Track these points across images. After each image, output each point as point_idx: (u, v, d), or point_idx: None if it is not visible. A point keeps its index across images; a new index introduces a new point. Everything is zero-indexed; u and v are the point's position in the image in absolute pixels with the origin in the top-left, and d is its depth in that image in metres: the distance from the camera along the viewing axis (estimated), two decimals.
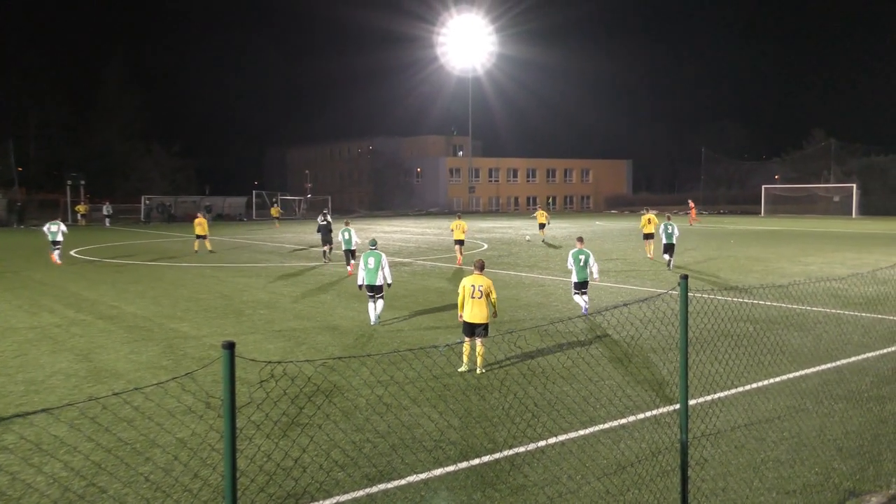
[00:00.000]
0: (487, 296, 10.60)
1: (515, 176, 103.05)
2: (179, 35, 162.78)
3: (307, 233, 45.38)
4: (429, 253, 30.87)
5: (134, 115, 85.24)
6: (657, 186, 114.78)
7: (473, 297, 10.53)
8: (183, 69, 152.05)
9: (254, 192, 76.11)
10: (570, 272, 15.31)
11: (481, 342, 10.48)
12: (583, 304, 15.00)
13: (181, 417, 8.35)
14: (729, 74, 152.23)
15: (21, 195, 65.32)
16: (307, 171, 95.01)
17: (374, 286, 14.11)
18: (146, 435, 7.82)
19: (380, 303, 14.29)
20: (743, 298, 16.58)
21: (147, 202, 66.24)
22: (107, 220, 58.89)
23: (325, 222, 27.83)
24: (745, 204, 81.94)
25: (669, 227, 23.63)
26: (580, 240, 15.75)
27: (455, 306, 14.16)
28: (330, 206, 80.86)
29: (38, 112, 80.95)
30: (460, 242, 26.60)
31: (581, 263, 14.87)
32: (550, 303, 16.99)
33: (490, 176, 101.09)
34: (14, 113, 79.62)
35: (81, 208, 60.20)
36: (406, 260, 27.57)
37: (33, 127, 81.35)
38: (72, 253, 31.02)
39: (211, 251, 31.17)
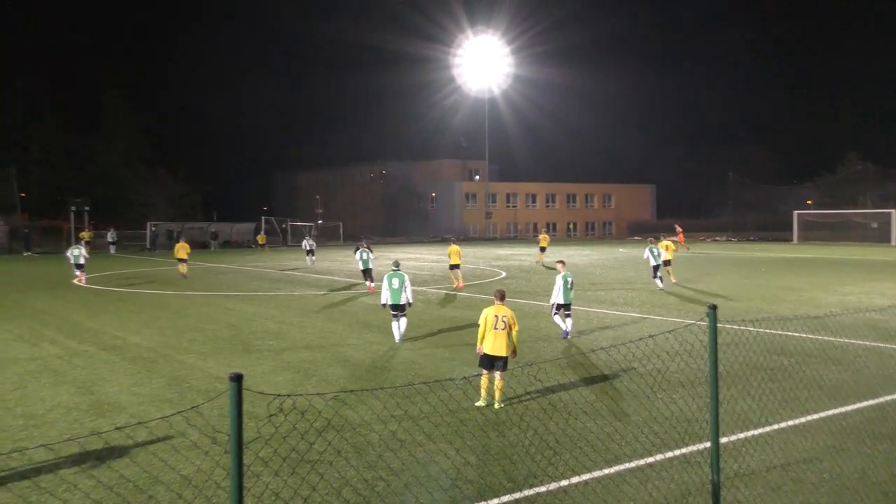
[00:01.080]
0: (510, 328, 10.57)
1: (534, 201, 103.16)
2: (184, 56, 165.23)
3: (319, 260, 45.54)
4: (443, 281, 30.85)
5: (138, 139, 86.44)
6: (683, 212, 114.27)
7: (496, 329, 10.49)
8: (188, 91, 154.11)
9: (262, 217, 76.60)
10: (555, 296, 16.12)
11: (500, 376, 10.43)
12: (566, 326, 16.19)
13: (186, 453, 8.33)
14: (756, 94, 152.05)
15: (24, 221, 66.11)
16: (318, 196, 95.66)
17: (399, 305, 15.60)
18: (149, 472, 7.81)
19: (403, 321, 15.77)
20: (776, 329, 16.40)
21: (153, 229, 66.76)
22: (111, 247, 59.42)
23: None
24: (777, 230, 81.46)
25: (655, 250, 26.40)
26: (562, 263, 16.82)
27: (473, 337, 14.10)
28: (342, 231, 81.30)
29: (40, 136, 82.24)
30: (456, 267, 28.08)
31: (569, 286, 16.13)
32: (572, 334, 16.88)
33: (507, 201, 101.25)
34: (16, 137, 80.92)
35: (85, 235, 60.71)
36: (420, 288, 27.55)
37: (36, 151, 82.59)
38: (74, 281, 31.29)
39: (183, 275, 32.98)
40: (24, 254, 55.74)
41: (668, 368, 12.29)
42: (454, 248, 28.48)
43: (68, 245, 61.67)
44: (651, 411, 10.01)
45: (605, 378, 12.06)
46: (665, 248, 28.15)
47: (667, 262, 28.16)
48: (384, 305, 15.77)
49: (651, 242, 27.71)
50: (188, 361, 14.03)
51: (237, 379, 3.85)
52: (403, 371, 13.04)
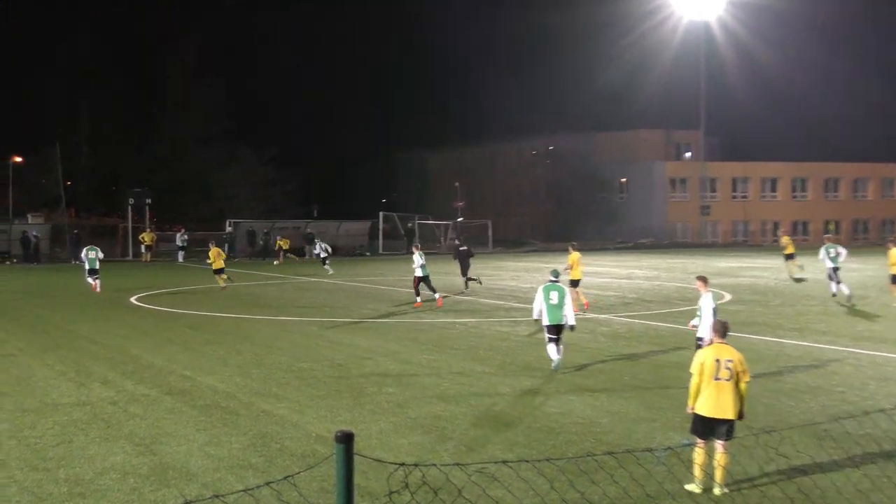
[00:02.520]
0: (738, 377, 10.34)
1: (774, 189, 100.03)
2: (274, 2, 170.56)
3: (455, 274, 46.12)
4: (639, 306, 30.46)
5: (215, 109, 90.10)
6: None
7: (718, 379, 10.29)
8: (279, 48, 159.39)
9: (381, 214, 77.96)
10: (704, 329, 16.07)
11: (723, 447, 10.22)
12: None
13: None
14: None
15: (70, 219, 70.69)
16: (457, 185, 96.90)
17: (559, 326, 17.69)
18: None
19: (560, 347, 17.79)
20: None
21: (229, 229, 69.31)
22: (180, 253, 62.49)
23: (464, 248, 36.88)
24: None
25: (831, 251, 30.99)
26: (704, 280, 16.94)
27: (680, 387, 13.81)
28: (491, 233, 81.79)
29: (91, 107, 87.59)
30: (577, 283, 29.22)
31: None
32: (833, 387, 16.26)
33: (734, 189, 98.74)
34: (62, 108, 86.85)
35: (147, 237, 64.20)
36: (603, 316, 27.30)
37: (85, 127, 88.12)
38: (132, 300, 33.24)
39: (223, 287, 37.46)
40: (73, 262, 59.78)
41: None
42: (577, 256, 29.87)
43: (123, 250, 66.25)
44: None
45: (886, 455, 11.58)
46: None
47: None
48: (537, 320, 18.22)
49: (827, 241, 32.76)
50: (279, 413, 14.54)
51: (346, 439, 3.93)
52: (579, 435, 12.96)
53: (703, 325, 16.13)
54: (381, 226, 75.85)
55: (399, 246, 73.16)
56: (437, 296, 30.87)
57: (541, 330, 18.91)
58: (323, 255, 50.01)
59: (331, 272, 47.20)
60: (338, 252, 72.17)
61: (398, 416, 14.23)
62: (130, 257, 64.67)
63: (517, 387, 16.54)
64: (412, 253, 32.16)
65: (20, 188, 74.69)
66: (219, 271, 37.78)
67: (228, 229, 69.14)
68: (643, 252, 74.74)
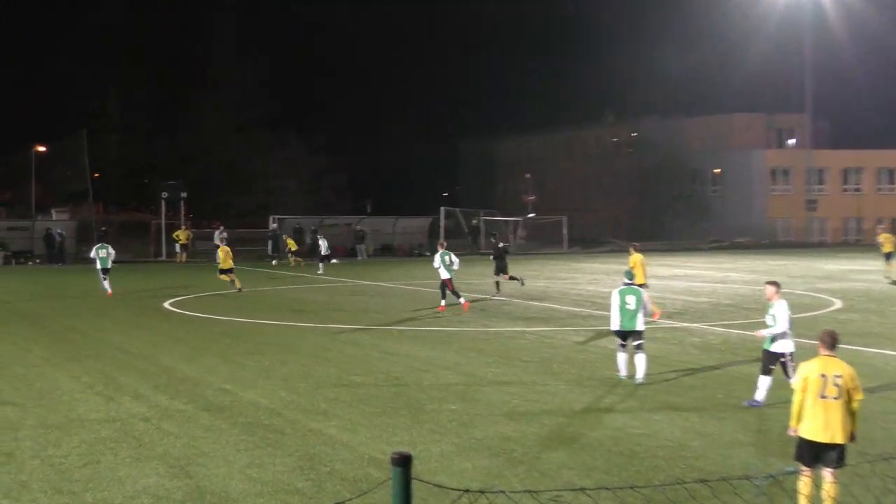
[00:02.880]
0: (849, 395, 10.19)
1: (892, 180, 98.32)
2: None
3: (532, 279, 46.04)
4: (735, 314, 30.15)
5: (257, 91, 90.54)
6: None
7: (825, 397, 10.14)
8: (329, 24, 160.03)
9: (442, 209, 77.93)
10: (779, 340, 16.14)
11: (833, 475, 10.10)
12: (759, 390, 16.10)
13: None
14: None
15: (97, 215, 71.60)
16: (528, 176, 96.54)
17: (635, 332, 18.08)
18: None
19: (641, 357, 17.95)
20: None
21: (273, 226, 69.66)
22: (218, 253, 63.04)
23: (501, 245, 37.86)
24: None
25: None
26: (775, 285, 16.58)
27: (782, 407, 13.65)
28: (567, 231, 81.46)
29: (120, 90, 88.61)
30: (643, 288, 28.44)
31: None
32: None
33: (845, 181, 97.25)
34: (89, 93, 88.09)
35: (182, 235, 64.86)
36: (694, 325, 27.07)
37: (114, 112, 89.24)
38: (166, 305, 33.63)
39: (239, 289, 38.32)
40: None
41: None
42: (639, 258, 29.21)
43: (156, 250, 66.99)
44: None
45: None
46: None
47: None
48: (616, 332, 18.50)
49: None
50: (328, 432, 14.60)
51: (403, 462, 3.93)
52: (667, 460, 12.87)
53: (778, 337, 15.94)
54: (441, 222, 75.63)
55: (463, 245, 72.86)
56: (443, 303, 31.41)
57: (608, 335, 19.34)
58: (324, 252, 52.92)
59: (322, 271, 50.89)
60: (389, 252, 72.39)
61: (461, 437, 14.22)
62: (164, 257, 65.30)
63: (595, 404, 16.47)
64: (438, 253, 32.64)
65: (43, 181, 75.66)
66: (226, 271, 39.01)
67: (273, 226, 69.35)
68: (740, 252, 73.89)
